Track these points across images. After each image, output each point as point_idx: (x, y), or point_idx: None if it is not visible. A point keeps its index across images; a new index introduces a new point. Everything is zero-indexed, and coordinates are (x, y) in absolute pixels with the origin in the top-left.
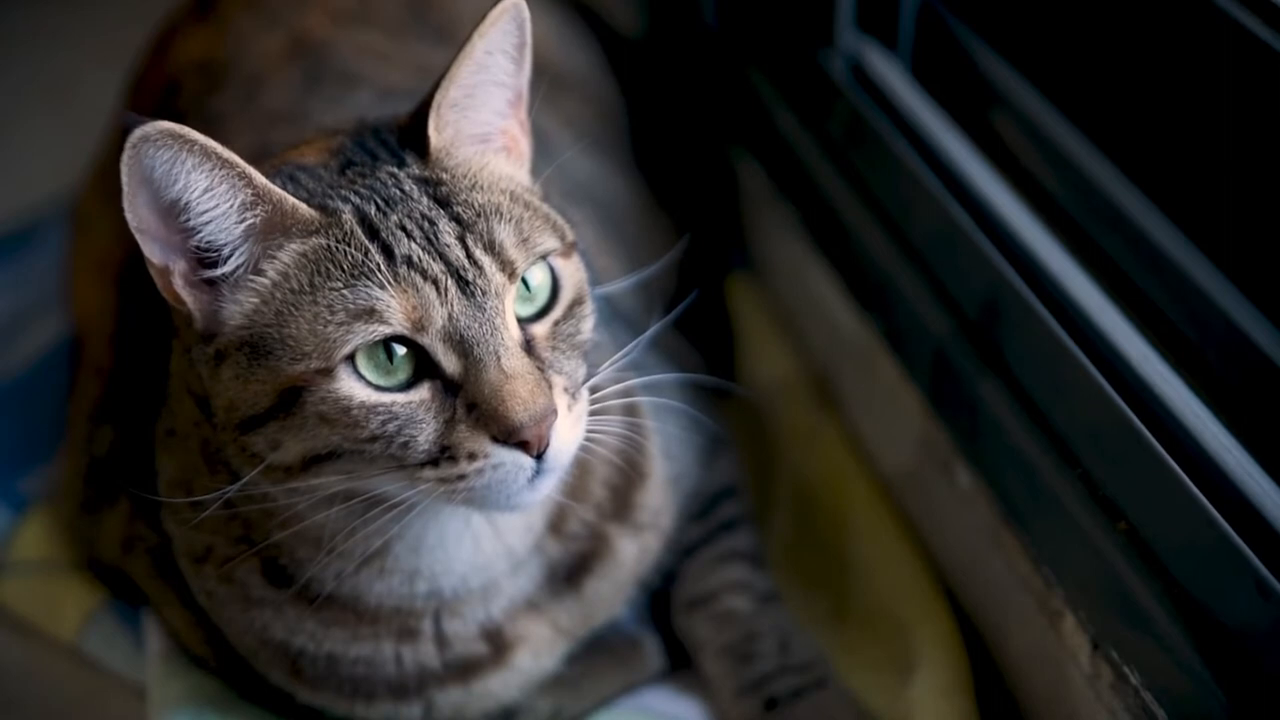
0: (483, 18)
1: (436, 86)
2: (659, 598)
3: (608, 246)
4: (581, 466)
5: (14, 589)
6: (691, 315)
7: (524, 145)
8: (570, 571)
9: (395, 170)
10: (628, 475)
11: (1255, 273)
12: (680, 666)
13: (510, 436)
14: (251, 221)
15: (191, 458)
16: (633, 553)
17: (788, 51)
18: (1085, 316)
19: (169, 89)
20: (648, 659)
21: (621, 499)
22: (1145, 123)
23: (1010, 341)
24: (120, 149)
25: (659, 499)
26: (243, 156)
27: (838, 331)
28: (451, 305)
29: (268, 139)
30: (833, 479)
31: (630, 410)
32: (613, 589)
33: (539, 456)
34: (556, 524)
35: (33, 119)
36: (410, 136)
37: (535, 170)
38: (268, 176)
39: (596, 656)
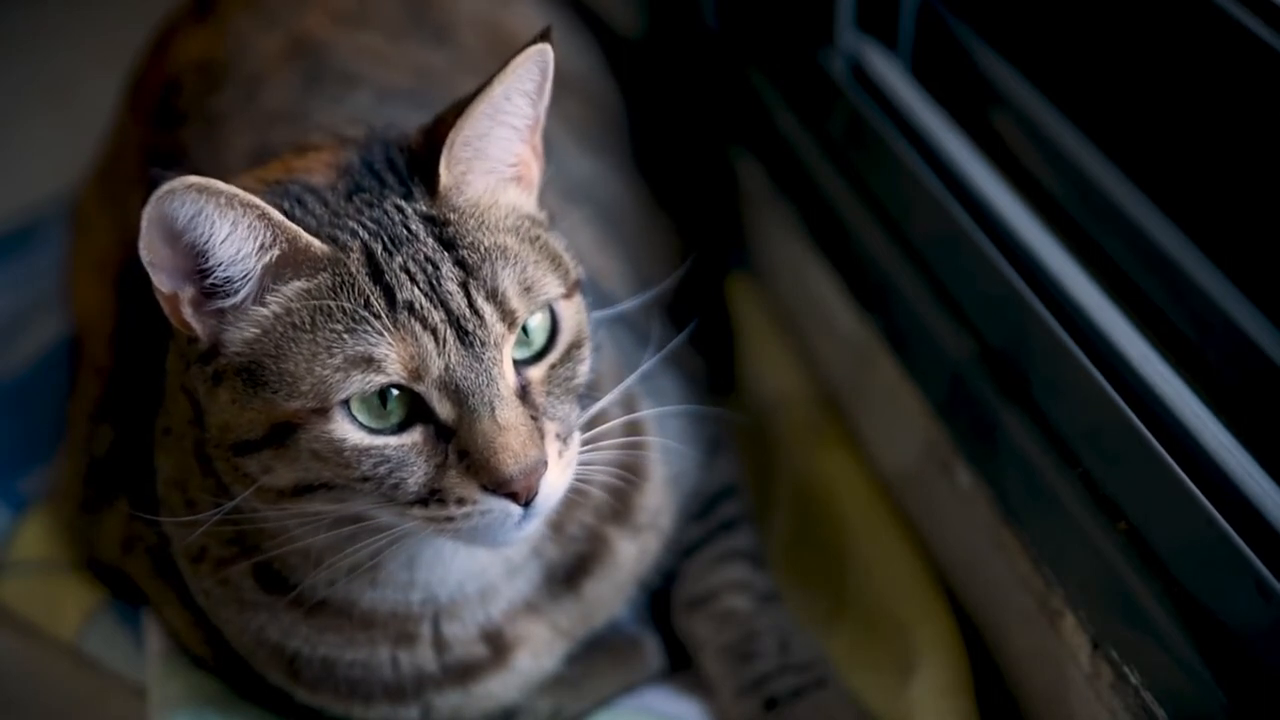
0: (505, 62)
1: (451, 124)
2: (659, 598)
3: (607, 246)
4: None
5: (14, 589)
6: (692, 316)
7: (535, 171)
8: (569, 573)
9: (402, 204)
10: (627, 477)
11: (1255, 273)
12: (680, 666)
13: (500, 488)
14: (268, 259)
15: (186, 457)
16: (632, 554)
17: (788, 51)
18: (1085, 316)
19: (169, 89)
20: (648, 659)
21: (621, 500)
22: (1145, 122)
23: (1011, 341)
24: (144, 198)
25: (658, 500)
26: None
27: (838, 331)
28: (449, 356)
29: (268, 139)
30: (833, 479)
31: (631, 427)
32: (612, 590)
33: (526, 504)
34: (555, 526)
35: (33, 119)
36: (420, 165)
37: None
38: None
39: (596, 656)
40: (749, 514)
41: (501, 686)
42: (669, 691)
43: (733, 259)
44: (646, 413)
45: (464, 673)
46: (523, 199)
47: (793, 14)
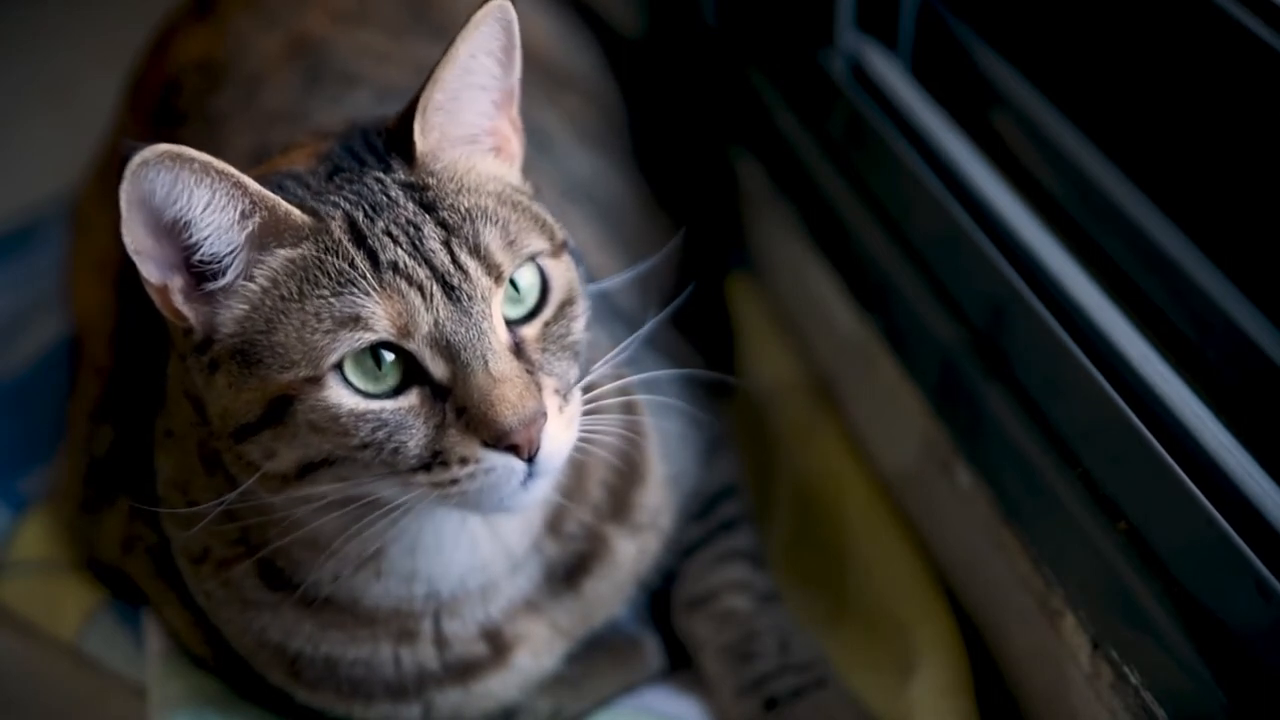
0: (466, 23)
1: (421, 90)
2: (659, 597)
3: (607, 245)
4: (578, 468)
5: (14, 589)
6: (691, 315)
7: (515, 144)
8: (569, 572)
9: (381, 175)
10: (626, 476)
11: (1255, 273)
12: (680, 666)
13: (500, 440)
14: (250, 229)
15: (189, 459)
16: (631, 553)
17: (788, 51)
18: (1085, 316)
19: (169, 88)
20: (648, 659)
21: (619, 500)
22: (1146, 123)
23: (1011, 342)
24: (119, 174)
25: (658, 499)
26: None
27: (838, 331)
28: (437, 311)
29: (267, 139)
30: (833, 479)
31: (628, 408)
32: (612, 589)
33: (530, 460)
34: (554, 524)
35: (33, 119)
36: (397, 140)
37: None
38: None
39: (596, 656)
40: (749, 514)
41: (501, 685)
42: (669, 691)
43: (733, 259)
44: (643, 401)
45: (464, 671)
46: (503, 169)
47: (793, 14)
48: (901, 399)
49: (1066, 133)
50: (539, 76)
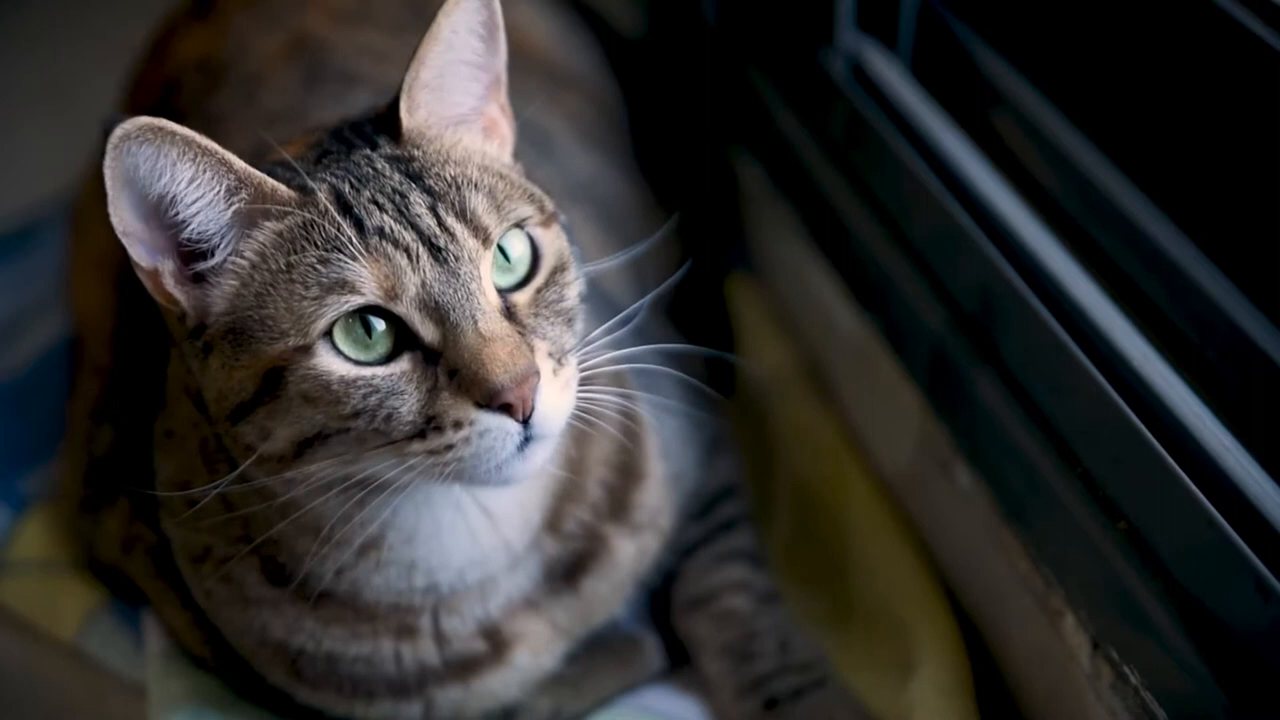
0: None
1: (407, 70)
2: (659, 597)
3: (608, 245)
4: (578, 464)
5: (14, 589)
6: (692, 315)
7: (505, 128)
8: (568, 570)
9: (369, 152)
10: (625, 475)
11: (1255, 273)
12: (680, 666)
13: (493, 399)
14: (237, 207)
15: (190, 459)
16: (631, 553)
17: (788, 51)
18: (1085, 316)
19: (169, 88)
20: (648, 658)
21: (619, 499)
22: (1145, 122)
23: (1010, 342)
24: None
25: (657, 499)
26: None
27: (837, 331)
28: (424, 272)
29: (268, 139)
30: (832, 478)
31: (624, 386)
32: (611, 589)
33: (525, 422)
34: (553, 522)
35: (33, 119)
36: (385, 122)
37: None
38: None
39: (596, 656)
40: (749, 514)
41: (501, 683)
42: (669, 691)
43: (733, 259)
44: (642, 397)
45: (465, 668)
46: (492, 147)
47: (793, 14)
48: (901, 399)
49: (1066, 133)
50: (540, 77)
